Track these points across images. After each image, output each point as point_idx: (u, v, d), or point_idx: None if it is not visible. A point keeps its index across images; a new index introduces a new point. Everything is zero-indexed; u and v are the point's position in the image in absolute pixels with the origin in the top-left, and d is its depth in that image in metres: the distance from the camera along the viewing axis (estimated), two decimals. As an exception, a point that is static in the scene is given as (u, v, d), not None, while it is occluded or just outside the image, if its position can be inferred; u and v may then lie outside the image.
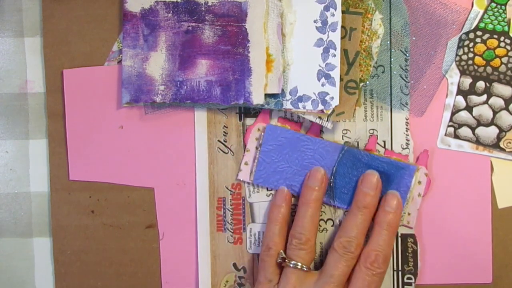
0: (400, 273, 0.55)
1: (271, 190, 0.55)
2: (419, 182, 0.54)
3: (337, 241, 0.52)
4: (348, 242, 0.51)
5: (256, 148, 0.55)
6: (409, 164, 0.53)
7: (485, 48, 0.53)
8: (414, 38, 0.54)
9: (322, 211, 0.55)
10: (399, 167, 0.53)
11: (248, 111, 0.55)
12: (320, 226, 0.56)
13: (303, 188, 0.54)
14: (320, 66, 0.53)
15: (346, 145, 0.54)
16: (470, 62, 0.54)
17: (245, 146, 0.55)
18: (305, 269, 0.52)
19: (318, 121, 0.53)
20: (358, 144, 0.55)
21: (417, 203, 0.54)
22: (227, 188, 0.56)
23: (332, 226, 0.56)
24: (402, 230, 0.55)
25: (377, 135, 0.55)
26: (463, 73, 0.54)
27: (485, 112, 0.54)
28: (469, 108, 0.54)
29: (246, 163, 0.55)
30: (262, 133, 0.55)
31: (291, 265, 0.52)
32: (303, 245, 0.52)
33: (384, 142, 0.55)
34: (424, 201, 0.54)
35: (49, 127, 0.56)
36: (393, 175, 0.53)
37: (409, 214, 0.54)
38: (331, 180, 0.54)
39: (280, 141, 0.54)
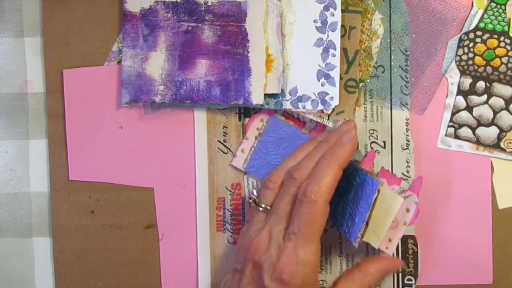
0: (400, 274, 0.55)
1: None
2: (407, 210, 0.52)
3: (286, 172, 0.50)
4: (293, 168, 0.49)
5: (256, 138, 0.55)
6: (373, 178, 0.49)
7: (485, 48, 0.53)
8: (414, 36, 0.54)
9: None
10: (366, 181, 0.50)
11: (248, 111, 0.55)
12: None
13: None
14: (319, 66, 0.53)
15: None
16: (470, 62, 0.54)
17: (245, 133, 0.55)
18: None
19: (318, 119, 0.53)
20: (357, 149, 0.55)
21: (401, 231, 0.52)
22: (227, 189, 0.56)
23: (331, 226, 0.55)
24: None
25: (375, 140, 0.55)
26: (463, 73, 0.54)
27: (485, 112, 0.54)
28: (469, 108, 0.54)
29: (242, 151, 0.55)
30: (265, 124, 0.54)
31: (261, 209, 0.50)
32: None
33: (384, 142, 0.55)
34: (424, 201, 0.54)
35: (49, 127, 0.56)
36: (360, 189, 0.50)
37: (389, 240, 0.52)
38: None
39: (280, 135, 0.54)
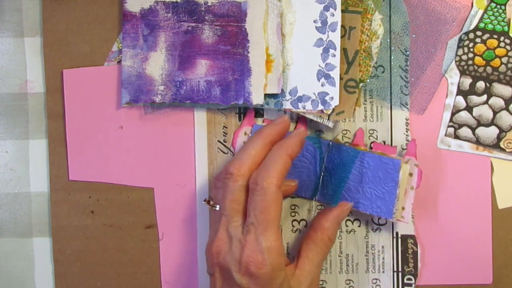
0: (400, 274, 0.55)
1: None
2: (410, 174, 0.53)
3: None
4: (228, 163, 0.49)
5: None
6: (393, 158, 0.52)
7: (485, 48, 0.53)
8: (414, 36, 0.54)
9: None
10: (383, 162, 0.52)
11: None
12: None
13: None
14: (319, 66, 0.53)
15: (332, 140, 0.53)
16: (470, 62, 0.54)
17: (234, 152, 0.55)
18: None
19: (319, 120, 0.53)
20: (342, 138, 0.55)
21: (411, 197, 0.53)
22: (227, 188, 0.56)
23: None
24: (402, 231, 0.55)
25: (375, 140, 0.55)
26: (463, 73, 0.54)
27: (485, 112, 0.54)
28: (469, 108, 0.54)
29: None
30: (249, 135, 0.55)
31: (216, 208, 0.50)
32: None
33: (384, 142, 0.55)
34: (424, 201, 0.54)
35: (49, 127, 0.56)
36: (379, 170, 0.52)
37: (403, 208, 0.53)
38: (321, 177, 0.53)
39: None
